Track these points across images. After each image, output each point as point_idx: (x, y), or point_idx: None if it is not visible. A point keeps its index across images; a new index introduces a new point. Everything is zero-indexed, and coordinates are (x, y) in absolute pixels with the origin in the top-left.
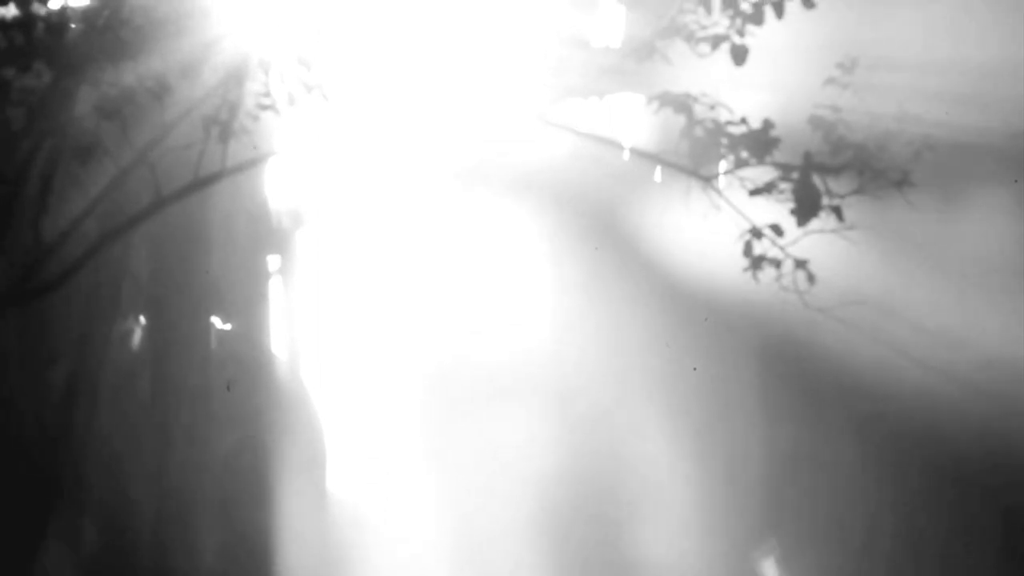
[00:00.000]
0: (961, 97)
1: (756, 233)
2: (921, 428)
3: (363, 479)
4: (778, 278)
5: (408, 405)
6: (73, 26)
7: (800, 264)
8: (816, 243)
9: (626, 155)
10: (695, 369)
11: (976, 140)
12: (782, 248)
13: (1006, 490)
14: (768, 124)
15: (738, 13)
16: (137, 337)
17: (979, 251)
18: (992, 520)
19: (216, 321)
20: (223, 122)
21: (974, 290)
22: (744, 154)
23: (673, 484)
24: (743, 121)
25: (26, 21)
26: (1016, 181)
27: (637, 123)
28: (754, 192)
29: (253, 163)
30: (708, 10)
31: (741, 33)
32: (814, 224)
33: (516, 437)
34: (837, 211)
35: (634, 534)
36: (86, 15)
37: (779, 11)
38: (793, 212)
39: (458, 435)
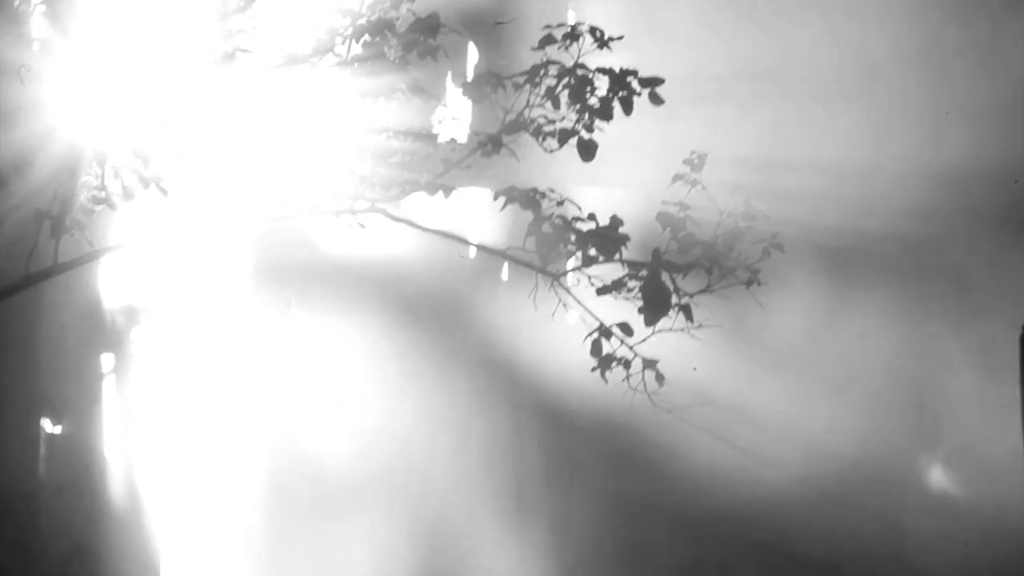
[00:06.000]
0: (810, 196)
1: (605, 332)
2: (767, 530)
3: None
4: (627, 378)
5: (245, 508)
6: None
7: (649, 364)
8: (666, 342)
9: (472, 251)
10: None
11: (825, 240)
12: (631, 348)
13: None
14: (616, 221)
15: (586, 108)
16: None
17: (827, 351)
18: None
19: (46, 423)
20: (55, 216)
21: (822, 391)
22: (592, 251)
23: None
24: (591, 217)
25: None
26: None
27: (484, 219)
28: (602, 291)
29: (86, 259)
30: (556, 105)
31: (589, 128)
32: (664, 323)
33: (356, 540)
34: (686, 310)
35: None
36: None
37: (627, 107)
38: (642, 311)
39: (298, 540)
